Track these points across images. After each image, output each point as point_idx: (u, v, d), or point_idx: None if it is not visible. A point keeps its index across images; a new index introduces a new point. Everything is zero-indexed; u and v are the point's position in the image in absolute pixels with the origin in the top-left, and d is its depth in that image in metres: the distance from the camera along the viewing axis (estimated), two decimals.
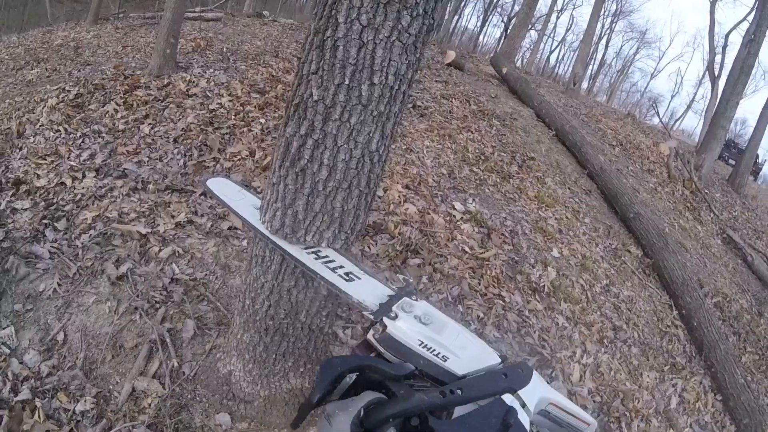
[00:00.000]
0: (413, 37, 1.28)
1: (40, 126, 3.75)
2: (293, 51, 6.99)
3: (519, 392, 1.00)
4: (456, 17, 34.46)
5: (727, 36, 20.51)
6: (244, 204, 1.60)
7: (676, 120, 40.78)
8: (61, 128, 3.67)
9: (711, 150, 9.39)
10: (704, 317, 4.15)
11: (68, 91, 4.34)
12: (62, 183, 2.98)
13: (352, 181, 1.42)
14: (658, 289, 4.54)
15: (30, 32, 9.22)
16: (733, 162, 14.77)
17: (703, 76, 31.04)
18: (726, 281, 5.57)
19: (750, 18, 12.95)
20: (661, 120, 13.82)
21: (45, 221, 2.62)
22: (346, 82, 1.29)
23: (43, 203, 2.79)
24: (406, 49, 1.29)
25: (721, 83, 12.75)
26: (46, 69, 5.70)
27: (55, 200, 2.83)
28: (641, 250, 4.96)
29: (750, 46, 9.63)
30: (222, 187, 1.66)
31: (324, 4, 1.28)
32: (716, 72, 18.46)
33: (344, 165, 1.39)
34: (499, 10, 35.57)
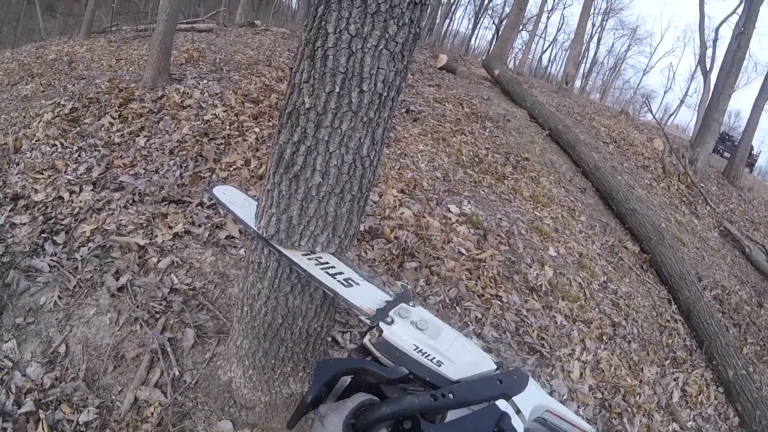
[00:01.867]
0: (400, 46, 1.32)
1: (36, 141, 3.77)
2: (286, 60, 7.03)
3: (514, 399, 0.99)
4: (447, 21, 34.64)
5: (717, 29, 20.68)
6: (249, 211, 1.62)
7: (670, 115, 41.04)
8: (57, 142, 3.69)
9: (705, 143, 9.44)
10: (704, 310, 4.17)
11: (63, 105, 4.37)
12: (60, 197, 3.00)
13: (344, 186, 1.45)
14: (656, 284, 4.57)
15: (23, 47, 9.27)
16: (728, 155, 14.84)
17: (695, 71, 31.27)
18: (725, 274, 5.59)
19: (739, 11, 13.02)
20: (654, 116, 13.86)
21: (44, 235, 2.64)
22: (337, 90, 1.32)
23: (41, 217, 2.81)
24: (394, 57, 1.33)
25: (713, 76, 12.81)
26: (41, 84, 5.73)
27: (53, 214, 2.85)
28: (638, 246, 4.99)
29: (740, 39, 9.70)
30: (227, 194, 1.70)
31: (314, 15, 1.32)
32: (708, 65, 18.55)
33: (336, 170, 1.41)
34: (489, 12, 35.77)
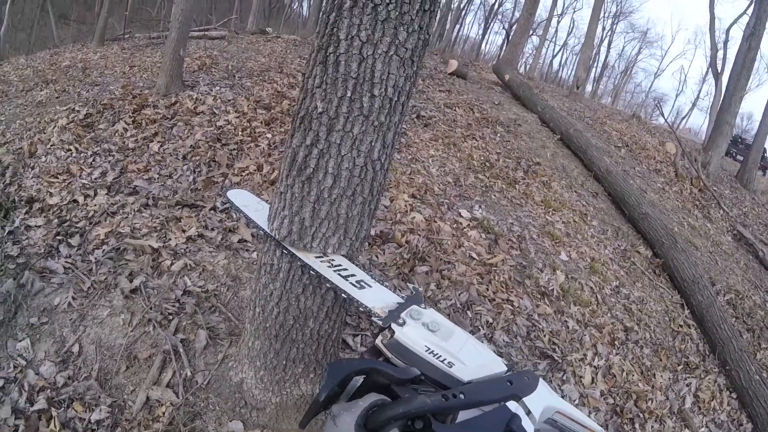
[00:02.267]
0: (410, 52, 1.35)
1: (51, 145, 3.83)
2: (297, 66, 7.09)
3: (524, 400, 1.00)
4: (457, 26, 34.70)
5: (727, 31, 20.47)
6: (262, 214, 1.65)
7: (682, 118, 40.56)
8: (72, 147, 3.75)
9: (718, 147, 9.32)
10: (717, 315, 4.11)
11: (78, 111, 4.44)
12: (74, 200, 3.05)
13: (355, 189, 1.47)
14: (668, 289, 4.52)
15: (38, 54, 9.42)
16: (740, 158, 14.63)
17: (707, 73, 30.89)
18: (738, 278, 5.51)
19: (750, 12, 12.88)
20: (666, 120, 13.74)
21: (59, 237, 2.69)
22: (348, 95, 1.35)
23: (56, 220, 2.85)
24: (404, 63, 1.35)
25: (725, 79, 12.67)
26: (55, 90, 5.82)
27: (68, 217, 2.89)
28: (650, 251, 4.94)
29: (751, 40, 9.58)
30: (241, 198, 1.73)
31: (326, 22, 1.35)
32: (719, 68, 18.33)
33: (348, 173, 1.44)
34: (500, 17, 35.79)
